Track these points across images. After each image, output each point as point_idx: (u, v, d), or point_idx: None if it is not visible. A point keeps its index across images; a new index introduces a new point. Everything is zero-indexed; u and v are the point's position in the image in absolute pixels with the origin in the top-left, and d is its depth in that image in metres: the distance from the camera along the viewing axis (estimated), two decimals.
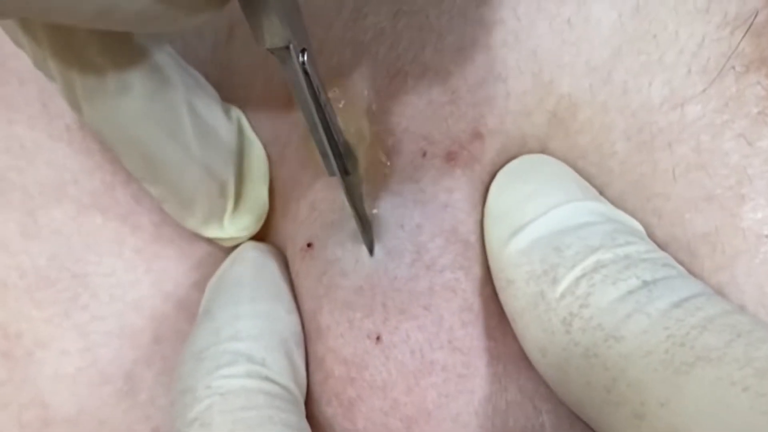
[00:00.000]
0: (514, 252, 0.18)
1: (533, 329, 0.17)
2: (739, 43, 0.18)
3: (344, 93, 0.21)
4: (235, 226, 0.22)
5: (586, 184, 0.20)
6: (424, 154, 0.21)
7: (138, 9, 0.14)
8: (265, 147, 0.23)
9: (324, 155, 0.18)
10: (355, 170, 0.19)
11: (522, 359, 0.19)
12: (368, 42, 0.21)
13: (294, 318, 0.21)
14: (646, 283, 0.16)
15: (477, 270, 0.20)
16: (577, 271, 0.17)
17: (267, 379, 0.18)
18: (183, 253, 0.23)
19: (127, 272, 0.23)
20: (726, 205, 0.18)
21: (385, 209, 0.21)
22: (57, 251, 0.23)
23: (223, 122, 0.21)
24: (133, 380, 0.23)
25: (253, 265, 0.21)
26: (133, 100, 0.18)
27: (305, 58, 0.16)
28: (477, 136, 0.21)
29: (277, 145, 0.23)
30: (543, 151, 0.20)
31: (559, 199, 0.19)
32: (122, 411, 0.22)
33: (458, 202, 0.21)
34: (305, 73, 0.16)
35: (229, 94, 0.22)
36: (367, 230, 0.20)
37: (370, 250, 0.20)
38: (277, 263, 0.22)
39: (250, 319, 0.20)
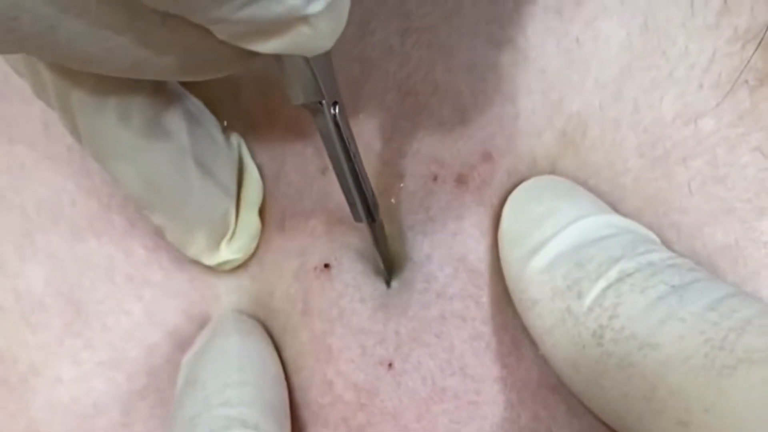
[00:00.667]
0: (536, 271, 0.18)
1: (563, 346, 0.17)
2: (751, 57, 0.18)
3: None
4: (231, 249, 0.22)
5: (599, 200, 0.20)
6: (435, 179, 0.21)
7: (167, 64, 0.15)
8: (263, 165, 0.23)
9: (352, 204, 0.19)
10: (378, 215, 0.20)
11: (538, 387, 0.19)
12: (376, 59, 0.21)
13: (280, 388, 0.21)
14: (675, 288, 0.16)
15: (486, 298, 0.20)
16: (601, 283, 0.17)
17: None
18: (170, 280, 0.23)
19: (119, 300, 0.23)
20: (745, 218, 0.18)
21: (396, 241, 0.21)
22: (52, 275, 0.23)
23: (223, 149, 0.21)
24: (128, 412, 0.22)
25: (236, 335, 0.21)
26: (133, 130, 0.18)
27: (336, 111, 0.17)
28: (487, 158, 0.21)
29: (275, 162, 0.23)
30: (553, 170, 0.21)
31: (575, 215, 0.19)
32: None
33: (468, 229, 0.21)
34: (336, 125, 0.17)
35: (230, 112, 0.23)
36: (389, 269, 0.21)
37: (388, 284, 0.21)
38: (259, 332, 0.22)
39: (239, 387, 0.19)
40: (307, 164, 0.22)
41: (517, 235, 0.19)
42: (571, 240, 0.18)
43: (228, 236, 0.21)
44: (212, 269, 0.22)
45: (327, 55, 0.15)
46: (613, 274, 0.17)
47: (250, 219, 0.22)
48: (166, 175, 0.19)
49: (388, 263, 0.21)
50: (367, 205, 0.19)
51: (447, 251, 0.20)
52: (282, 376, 0.21)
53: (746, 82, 0.18)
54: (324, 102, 0.16)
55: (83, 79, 0.17)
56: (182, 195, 0.20)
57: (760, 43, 0.19)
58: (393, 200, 0.21)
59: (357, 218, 0.19)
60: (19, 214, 0.22)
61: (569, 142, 0.20)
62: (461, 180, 0.21)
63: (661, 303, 0.16)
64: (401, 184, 0.21)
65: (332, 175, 0.22)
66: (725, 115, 0.19)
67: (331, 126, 0.17)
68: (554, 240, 0.18)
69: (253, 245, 0.22)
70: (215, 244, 0.21)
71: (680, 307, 0.15)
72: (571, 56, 0.20)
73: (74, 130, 0.18)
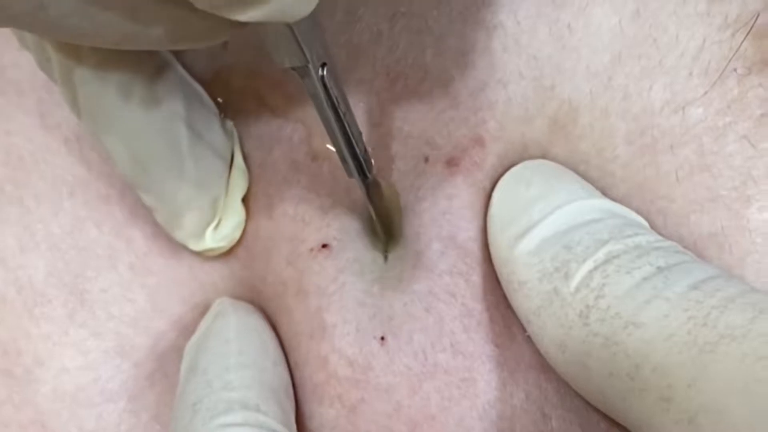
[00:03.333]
0: (524, 253, 0.19)
1: (550, 327, 0.17)
2: (740, 46, 0.18)
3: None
4: (216, 237, 0.22)
5: (589, 184, 0.20)
6: (427, 160, 0.21)
7: (157, 36, 0.15)
8: (249, 153, 0.23)
9: (343, 160, 0.19)
10: (372, 172, 0.20)
11: (530, 367, 0.20)
12: (365, 45, 0.21)
13: (281, 369, 0.21)
14: (660, 269, 0.16)
15: (477, 277, 0.20)
16: (588, 264, 0.17)
17: (262, 426, 0.18)
18: (171, 268, 0.23)
19: (123, 288, 0.23)
20: (732, 206, 0.19)
21: (396, 221, 0.21)
22: (54, 266, 0.23)
23: (219, 135, 0.21)
24: (136, 399, 0.22)
25: (235, 320, 0.21)
26: (132, 107, 0.19)
27: (324, 72, 0.16)
28: (478, 141, 0.21)
29: (262, 150, 0.23)
30: (544, 156, 0.21)
31: (564, 199, 0.19)
32: (125, 431, 0.22)
33: (458, 210, 0.21)
34: (324, 87, 0.17)
35: (218, 98, 0.22)
36: (386, 229, 0.21)
37: (386, 257, 0.21)
38: (257, 316, 0.22)
39: (240, 370, 0.20)
40: (296, 152, 0.22)
41: (506, 219, 0.20)
42: (559, 223, 0.18)
43: (214, 224, 0.22)
44: (206, 257, 0.23)
45: (311, 19, 0.15)
46: (600, 255, 0.17)
47: (235, 208, 0.22)
48: (161, 155, 0.20)
49: (384, 222, 0.21)
50: (359, 162, 0.19)
51: (436, 229, 0.21)
52: (282, 358, 0.21)
53: (735, 70, 0.18)
54: (311, 66, 0.16)
55: (87, 55, 0.18)
56: (176, 176, 0.20)
57: (749, 30, 0.19)
58: (393, 166, 0.22)
59: (349, 174, 0.19)
60: (18, 206, 0.23)
61: (560, 128, 0.20)
62: (452, 162, 0.21)
63: (647, 283, 0.16)
64: (392, 166, 0.22)
65: (323, 162, 0.22)
66: (713, 104, 0.19)
67: (320, 88, 0.17)
68: (542, 223, 0.19)
69: (237, 234, 0.22)
70: (201, 230, 0.22)
71: (665, 287, 0.16)
72: (563, 43, 0.20)
73: (74, 105, 0.19)
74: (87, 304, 0.22)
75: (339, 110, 0.17)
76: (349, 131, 0.18)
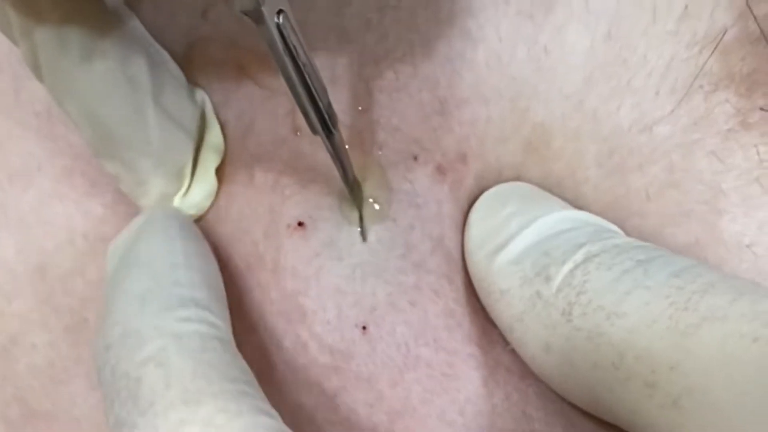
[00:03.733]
0: (504, 264, 0.19)
1: (534, 330, 0.18)
2: (706, 62, 0.18)
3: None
4: (185, 204, 0.21)
5: (562, 200, 0.21)
6: (416, 158, 0.22)
7: None
8: (228, 122, 0.22)
9: (306, 115, 0.18)
10: (337, 128, 0.19)
11: (509, 371, 0.20)
12: (354, 31, 0.21)
13: (221, 282, 0.20)
14: (640, 263, 0.17)
15: (459, 283, 0.21)
16: (568, 265, 0.17)
17: (214, 326, 0.18)
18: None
19: (77, 262, 0.22)
20: (704, 219, 0.20)
21: (380, 200, 0.21)
22: (22, 243, 0.22)
23: (186, 105, 0.21)
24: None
25: (177, 221, 0.21)
26: (95, 71, 0.18)
27: (281, 20, 0.16)
28: (462, 157, 0.21)
29: (243, 121, 0.22)
30: (518, 178, 0.21)
31: (540, 212, 0.19)
32: (94, 404, 0.22)
33: (446, 217, 0.21)
34: (281, 34, 0.16)
35: (199, 73, 0.22)
36: (356, 192, 0.21)
37: (362, 233, 0.21)
38: (194, 225, 0.22)
39: (187, 269, 0.19)
40: (278, 125, 0.22)
41: (484, 236, 0.20)
42: (537, 234, 0.19)
43: (182, 191, 0.21)
44: None
45: None
46: (579, 256, 0.17)
47: (206, 177, 0.22)
48: (125, 120, 0.19)
49: (350, 182, 0.20)
50: (322, 117, 0.18)
51: (429, 228, 0.21)
52: (218, 267, 0.21)
53: (701, 87, 0.19)
54: (264, 9, 0.15)
55: (47, 17, 0.17)
56: (141, 143, 0.19)
57: (716, 47, 0.19)
58: (380, 152, 0.21)
59: (313, 131, 0.18)
60: None
61: (533, 151, 0.21)
62: (441, 170, 0.21)
63: (627, 276, 0.16)
64: (379, 152, 0.21)
65: (305, 136, 0.22)
66: (680, 121, 0.20)
67: (276, 35, 0.16)
68: (521, 235, 0.19)
69: (207, 203, 0.22)
70: (168, 198, 0.21)
71: (645, 278, 0.16)
72: (540, 64, 0.21)
73: (36, 68, 0.18)
74: (47, 280, 0.22)
75: (298, 61, 0.17)
76: (310, 84, 0.17)
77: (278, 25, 0.16)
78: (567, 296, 0.17)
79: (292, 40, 0.16)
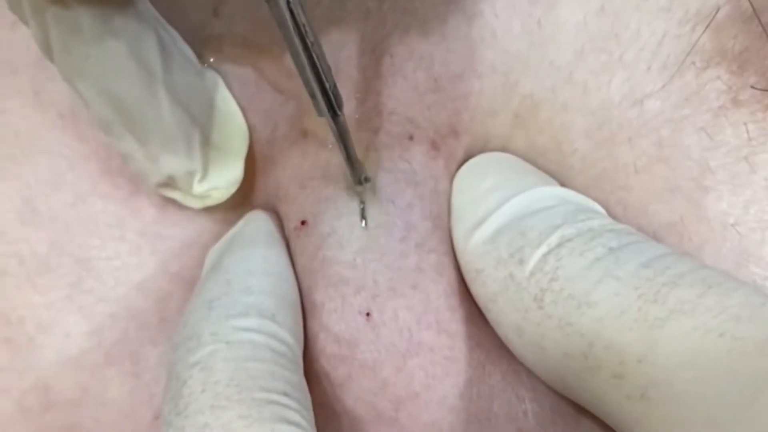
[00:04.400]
0: (480, 242, 0.19)
1: (507, 312, 0.18)
2: (698, 39, 0.18)
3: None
4: (204, 185, 0.21)
5: (544, 174, 0.20)
6: (411, 138, 0.22)
7: None
8: (256, 128, 0.23)
9: (312, 95, 0.18)
10: (342, 110, 0.19)
11: (503, 348, 0.20)
12: (354, 22, 0.21)
13: (297, 289, 0.21)
14: (612, 250, 0.17)
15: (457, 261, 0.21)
16: (542, 249, 0.17)
17: (274, 336, 0.18)
18: (187, 234, 0.23)
19: (131, 255, 0.23)
20: (690, 196, 0.19)
21: (378, 183, 0.21)
22: (57, 238, 0.23)
23: (196, 84, 0.21)
24: (139, 361, 0.22)
25: (265, 228, 0.21)
26: (107, 47, 0.18)
27: None
28: (453, 132, 0.21)
29: (268, 125, 0.23)
30: (504, 150, 0.21)
31: (518, 188, 0.19)
32: (126, 392, 0.22)
33: (442, 193, 0.21)
34: (291, 12, 0.16)
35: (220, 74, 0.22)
36: (358, 172, 0.20)
37: (363, 216, 0.21)
38: (276, 232, 0.22)
39: (262, 276, 0.19)
40: (292, 128, 0.22)
41: (463, 210, 0.20)
42: (514, 211, 0.19)
43: (198, 174, 0.21)
44: (219, 220, 0.23)
45: None
46: (553, 239, 0.17)
47: (228, 163, 0.22)
48: (136, 97, 0.19)
49: (354, 163, 0.20)
50: (328, 98, 0.18)
51: (428, 205, 0.21)
52: (296, 282, 0.21)
53: (693, 63, 0.19)
54: None
55: None
56: (152, 119, 0.19)
57: (708, 24, 0.18)
58: (376, 137, 0.21)
59: (319, 112, 0.18)
60: (17, 181, 0.22)
61: (520, 123, 0.21)
62: (435, 146, 0.21)
63: (598, 264, 0.16)
64: (376, 138, 0.22)
65: (311, 139, 0.22)
66: (671, 97, 0.19)
67: (286, 13, 0.16)
68: (497, 212, 0.19)
69: (229, 191, 0.22)
70: (178, 176, 0.21)
71: (616, 267, 0.16)
72: (532, 38, 0.20)
73: (47, 49, 0.18)
74: (94, 272, 0.22)
75: (307, 39, 0.17)
76: (318, 64, 0.17)
77: (288, 3, 0.16)
78: (539, 282, 0.17)
79: (302, 18, 0.16)
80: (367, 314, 0.20)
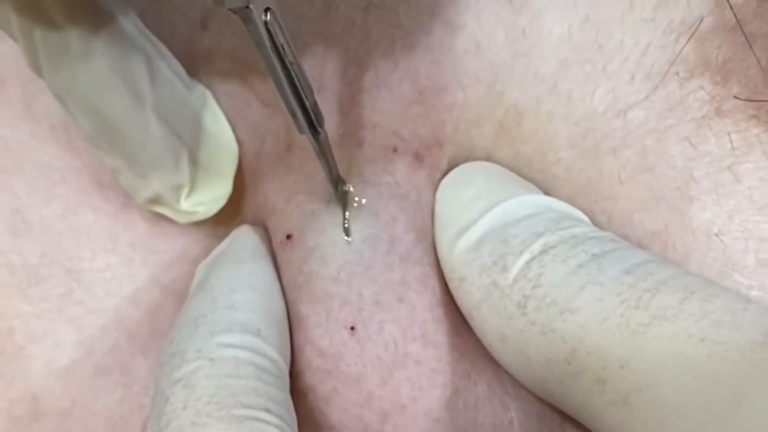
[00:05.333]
0: (463, 251, 0.19)
1: (491, 319, 0.18)
2: (682, 50, 0.18)
3: None
4: (190, 201, 0.21)
5: (528, 183, 0.20)
6: (395, 150, 0.21)
7: None
8: (244, 142, 0.22)
9: (292, 114, 0.18)
10: (323, 128, 0.19)
11: (488, 357, 0.20)
12: (340, 34, 0.21)
13: (284, 305, 0.21)
14: (595, 257, 0.16)
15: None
16: (525, 256, 0.17)
17: (258, 352, 0.18)
18: (178, 247, 0.23)
19: (123, 266, 0.23)
20: (675, 205, 0.19)
21: (362, 197, 0.21)
22: (48, 249, 0.23)
23: (184, 99, 0.21)
24: (129, 371, 0.22)
25: (252, 244, 0.21)
26: (94, 65, 0.18)
27: (268, 17, 0.16)
28: (437, 143, 0.21)
29: (256, 139, 0.23)
30: (488, 160, 0.21)
31: (501, 196, 0.19)
32: (115, 402, 0.22)
33: (426, 203, 0.21)
34: (268, 32, 0.16)
35: (204, 86, 0.22)
36: (341, 191, 0.20)
37: (346, 232, 0.20)
38: (262, 247, 0.22)
39: (247, 292, 0.19)
40: (279, 143, 0.22)
41: (447, 218, 0.20)
42: (497, 219, 0.18)
43: (186, 189, 0.21)
44: (209, 234, 0.23)
45: None
46: (536, 247, 0.17)
47: (215, 178, 0.21)
48: (125, 114, 0.19)
49: (335, 180, 0.20)
50: (308, 117, 0.18)
51: (412, 217, 0.21)
52: (282, 298, 0.21)
53: (677, 74, 0.18)
54: (252, 7, 0.15)
55: (47, 13, 0.17)
56: (140, 135, 0.19)
57: (692, 35, 0.18)
58: (361, 150, 0.21)
59: (300, 130, 0.18)
60: (7, 193, 0.22)
61: (505, 133, 0.21)
62: (418, 158, 0.21)
63: (581, 270, 0.16)
64: (360, 152, 0.21)
65: (295, 152, 0.22)
66: (655, 107, 0.19)
67: (264, 34, 0.16)
68: (481, 220, 0.19)
69: (216, 206, 0.21)
70: (166, 192, 0.21)
71: (599, 273, 0.16)
72: (517, 48, 0.20)
73: (35, 64, 0.18)
74: (84, 283, 0.22)
75: (285, 59, 0.16)
76: (297, 83, 0.17)
77: (266, 23, 0.15)
78: (522, 288, 0.17)
79: (280, 38, 0.16)
80: (352, 328, 0.20)
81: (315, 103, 0.18)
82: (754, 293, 0.18)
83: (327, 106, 0.21)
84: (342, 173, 0.21)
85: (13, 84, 0.22)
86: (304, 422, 0.19)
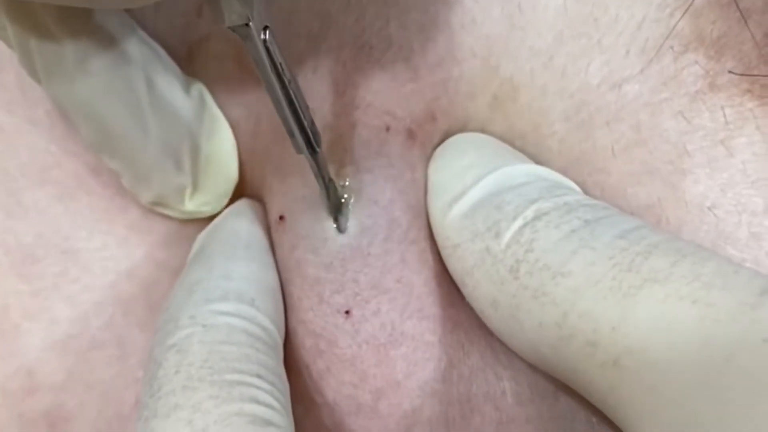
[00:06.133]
0: (457, 217, 0.18)
1: (483, 284, 0.17)
2: (677, 24, 0.17)
3: None
4: (195, 201, 0.21)
5: (521, 153, 0.20)
6: (388, 129, 0.21)
7: None
8: (239, 121, 0.22)
9: (290, 134, 0.18)
10: (320, 146, 0.19)
11: (481, 327, 0.19)
12: (335, 13, 0.21)
13: (278, 276, 0.20)
14: (588, 222, 0.16)
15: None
16: (518, 221, 0.17)
17: (252, 320, 0.18)
18: (175, 226, 0.23)
19: (119, 246, 0.22)
20: (668, 179, 0.19)
21: (358, 186, 0.21)
22: (43, 230, 0.22)
23: (181, 97, 0.20)
24: (125, 345, 0.22)
25: (250, 218, 0.21)
26: (91, 73, 0.18)
27: (267, 35, 0.16)
28: (431, 117, 0.21)
29: (251, 119, 0.22)
30: (482, 132, 0.21)
31: (495, 165, 0.19)
32: (111, 375, 0.22)
33: (420, 179, 0.21)
34: (267, 50, 0.16)
35: (201, 70, 0.22)
36: (336, 207, 0.20)
37: (339, 228, 0.20)
38: (259, 219, 0.22)
39: (243, 262, 0.19)
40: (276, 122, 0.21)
41: (441, 187, 0.19)
42: (490, 187, 0.18)
43: (189, 189, 0.21)
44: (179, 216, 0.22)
45: None
46: (529, 213, 0.17)
47: (223, 171, 0.21)
48: (123, 118, 0.19)
49: (333, 198, 0.20)
50: (306, 136, 0.18)
51: (407, 197, 0.20)
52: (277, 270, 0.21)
53: (671, 48, 0.18)
54: (252, 25, 0.15)
55: (42, 22, 0.17)
56: (139, 139, 0.19)
57: (687, 9, 0.18)
58: (354, 131, 0.20)
59: (298, 149, 0.18)
60: (2, 175, 0.22)
61: (499, 106, 0.20)
62: (411, 135, 0.21)
63: (574, 235, 0.16)
64: (354, 132, 0.21)
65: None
66: (650, 81, 0.19)
67: (262, 51, 0.16)
68: (474, 188, 0.18)
69: (224, 200, 0.22)
70: (168, 193, 0.21)
71: (592, 238, 0.16)
72: (513, 22, 0.20)
73: (33, 72, 0.18)
74: (81, 262, 0.22)
75: (283, 77, 0.16)
76: (295, 101, 0.17)
77: (265, 42, 0.15)
78: (515, 253, 0.16)
79: (278, 57, 0.16)
80: (347, 312, 0.19)
81: (312, 122, 0.18)
82: (746, 266, 0.17)
83: (321, 87, 0.21)
84: (336, 158, 0.20)
85: (9, 70, 0.21)
86: (297, 400, 0.19)
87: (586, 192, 0.19)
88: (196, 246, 0.21)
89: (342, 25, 0.20)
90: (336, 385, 0.19)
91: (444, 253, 0.19)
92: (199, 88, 0.21)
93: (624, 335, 0.14)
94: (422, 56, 0.20)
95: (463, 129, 0.20)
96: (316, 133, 0.18)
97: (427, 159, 0.20)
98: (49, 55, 0.17)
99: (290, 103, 0.17)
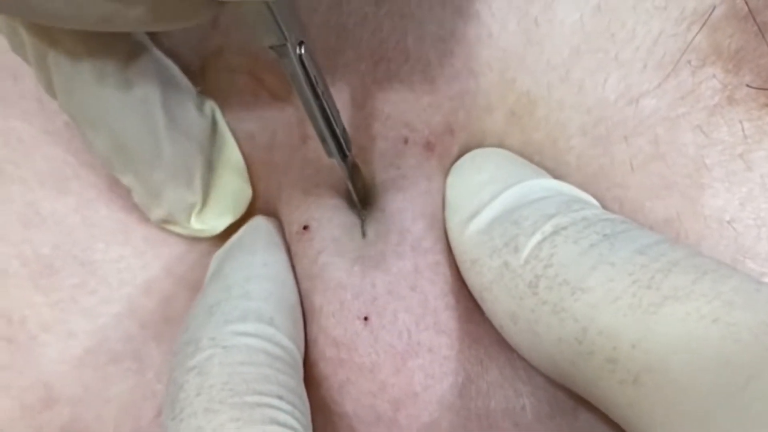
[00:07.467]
0: (475, 233, 0.18)
1: (502, 299, 0.17)
2: (694, 38, 0.17)
3: None
4: (202, 220, 0.21)
5: (539, 168, 0.20)
6: (406, 141, 0.21)
7: (136, 16, 0.14)
8: (255, 135, 0.22)
9: (323, 140, 0.18)
10: (351, 151, 0.19)
11: (500, 343, 0.19)
12: (352, 27, 0.21)
13: (297, 293, 0.20)
14: (606, 237, 0.16)
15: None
16: (537, 236, 0.17)
17: (271, 340, 0.18)
18: (193, 242, 0.22)
19: (136, 258, 0.22)
20: (686, 193, 0.19)
21: (376, 196, 0.20)
22: (61, 241, 0.22)
23: (194, 117, 0.20)
24: (142, 358, 0.22)
25: (266, 235, 0.21)
26: (107, 90, 0.18)
27: (302, 50, 0.16)
28: (449, 130, 0.20)
29: (266, 132, 0.22)
30: (500, 146, 0.20)
31: (513, 180, 0.19)
32: (129, 389, 0.22)
33: (436, 190, 0.20)
34: (302, 65, 0.16)
35: (215, 83, 0.22)
36: (364, 206, 0.20)
37: (363, 231, 0.20)
38: (277, 236, 0.21)
39: (261, 281, 0.19)
40: (292, 135, 0.21)
41: (458, 202, 0.19)
42: (508, 203, 0.18)
43: (197, 207, 0.21)
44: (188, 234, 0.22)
45: None
46: (548, 228, 0.17)
47: (234, 189, 0.21)
48: (138, 136, 0.19)
49: (363, 200, 0.20)
50: (338, 142, 0.18)
51: (420, 207, 0.20)
52: (296, 287, 0.21)
53: (689, 62, 0.18)
54: (288, 43, 0.15)
55: (60, 39, 0.17)
56: (153, 157, 0.19)
57: (704, 23, 0.17)
58: (374, 157, 0.21)
59: (329, 154, 0.18)
60: (20, 185, 0.22)
61: (517, 120, 0.20)
62: (429, 147, 0.21)
63: (593, 250, 0.16)
64: (373, 145, 0.21)
65: (311, 143, 0.21)
66: (667, 95, 0.18)
67: (298, 66, 0.16)
68: (492, 203, 0.18)
69: (235, 217, 0.21)
70: (179, 211, 0.20)
71: (611, 253, 0.15)
72: (529, 36, 0.20)
73: (49, 87, 0.18)
74: (98, 274, 0.21)
75: (317, 88, 0.16)
76: (328, 110, 0.17)
77: (300, 56, 0.15)
78: (534, 268, 0.16)
79: (312, 69, 0.16)
80: (365, 318, 0.19)
81: (344, 129, 0.18)
82: (767, 280, 0.17)
83: (340, 100, 0.20)
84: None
85: (26, 79, 0.21)
86: (317, 411, 0.19)
87: (604, 207, 0.19)
88: (213, 264, 0.21)
89: (359, 39, 0.20)
90: (356, 395, 0.19)
91: (462, 268, 0.19)
92: (211, 106, 0.21)
93: (644, 353, 0.14)
94: (439, 69, 0.20)
95: (480, 143, 0.20)
96: (347, 139, 0.18)
97: (445, 171, 0.20)
98: (65, 70, 0.17)
99: (323, 111, 0.17)
